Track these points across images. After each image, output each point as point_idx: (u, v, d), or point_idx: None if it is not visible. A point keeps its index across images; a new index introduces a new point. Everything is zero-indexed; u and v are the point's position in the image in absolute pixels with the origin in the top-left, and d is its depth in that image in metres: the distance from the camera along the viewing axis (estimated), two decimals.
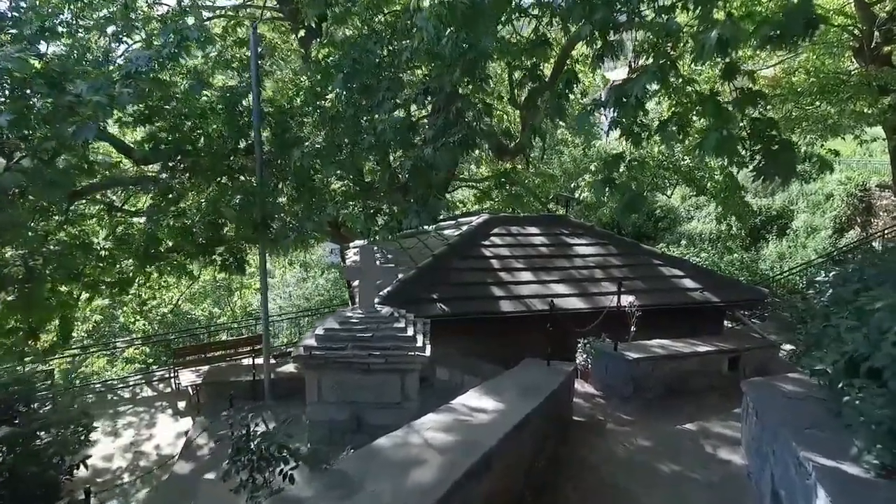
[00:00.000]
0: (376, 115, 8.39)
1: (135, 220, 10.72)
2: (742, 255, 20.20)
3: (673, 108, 7.48)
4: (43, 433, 4.61)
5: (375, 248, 14.80)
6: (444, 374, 10.09)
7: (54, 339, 12.78)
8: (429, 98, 8.50)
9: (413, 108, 9.15)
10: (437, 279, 10.60)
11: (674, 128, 6.48)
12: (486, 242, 12.04)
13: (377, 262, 6.02)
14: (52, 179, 6.97)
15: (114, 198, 12.10)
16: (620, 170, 7.12)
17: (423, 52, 7.59)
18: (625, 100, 6.27)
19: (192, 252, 9.64)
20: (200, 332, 23.69)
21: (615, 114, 6.64)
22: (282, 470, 3.94)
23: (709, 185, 17.12)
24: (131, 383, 20.10)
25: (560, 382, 6.44)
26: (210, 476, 5.86)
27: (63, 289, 10.44)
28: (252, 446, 3.96)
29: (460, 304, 10.11)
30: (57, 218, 10.13)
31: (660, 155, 18.10)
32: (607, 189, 6.49)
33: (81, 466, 5.39)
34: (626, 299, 9.39)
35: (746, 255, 20.43)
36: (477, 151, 13.04)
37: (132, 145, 10.33)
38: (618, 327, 9.19)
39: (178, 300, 24.07)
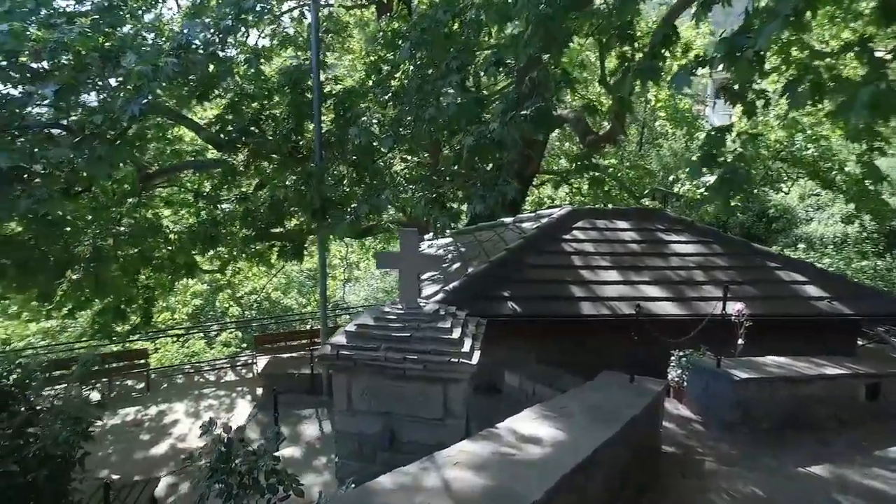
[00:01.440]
0: (441, 88, 7.48)
1: (201, 203, 10.55)
2: (875, 263, 17.22)
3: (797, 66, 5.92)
4: (33, 429, 4.21)
5: (445, 239, 13.99)
6: (513, 381, 9.06)
7: (137, 321, 13.09)
8: (500, 69, 7.46)
9: (483, 81, 8.15)
10: (509, 275, 9.53)
11: (805, 87, 4.99)
12: (567, 237, 10.77)
13: (418, 250, 5.07)
14: (99, 155, 6.68)
15: (190, 183, 12.09)
16: (726, 146, 5.71)
17: (494, 11, 6.57)
18: (738, 55, 4.91)
19: (252, 237, 9.24)
20: (292, 321, 24.16)
21: (724, 71, 5.27)
22: (271, 502, 3.12)
23: (838, 178, 14.63)
24: (217, 366, 20.73)
25: (645, 405, 5.17)
26: None
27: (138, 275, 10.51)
28: (232, 467, 3.18)
29: (534, 304, 8.98)
30: (130, 200, 10.16)
31: (777, 144, 15.80)
32: (706, 170, 5.14)
33: (78, 465, 5.00)
34: (734, 306, 7.80)
35: (881, 262, 17.40)
36: (556, 132, 11.71)
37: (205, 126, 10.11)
38: (722, 339, 7.64)
39: (264, 288, 24.67)
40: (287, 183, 8.48)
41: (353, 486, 3.11)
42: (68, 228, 9.48)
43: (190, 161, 10.57)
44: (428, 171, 8.97)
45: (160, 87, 6.63)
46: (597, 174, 10.37)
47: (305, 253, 9.92)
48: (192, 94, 7.93)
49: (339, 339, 4.93)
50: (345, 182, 8.73)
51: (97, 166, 6.66)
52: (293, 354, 13.10)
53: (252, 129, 9.55)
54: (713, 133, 5.72)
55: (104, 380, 16.31)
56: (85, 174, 7.00)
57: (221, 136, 9.30)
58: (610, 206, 14.15)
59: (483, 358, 9.47)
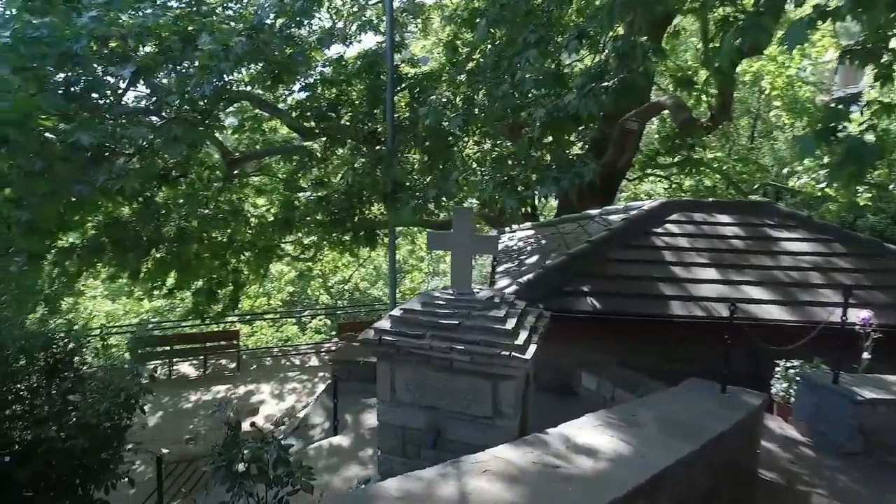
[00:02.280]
0: (518, 64, 6.92)
1: (279, 188, 10.69)
2: None
3: None
4: (73, 397, 4.23)
5: (525, 231, 13.35)
6: (590, 384, 8.36)
7: (224, 304, 13.64)
8: (583, 42, 6.77)
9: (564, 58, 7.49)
10: (590, 269, 8.79)
11: None
12: (659, 230, 9.79)
13: (471, 230, 4.58)
14: (175, 135, 6.80)
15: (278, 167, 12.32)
16: (851, 120, 4.69)
17: None
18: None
19: (326, 223, 9.19)
20: (380, 310, 24.53)
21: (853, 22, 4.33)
22: (278, 495, 2.79)
23: None
24: (303, 351, 21.41)
25: (736, 421, 4.35)
26: None
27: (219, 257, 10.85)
28: (235, 453, 2.89)
29: (616, 301, 8.19)
30: (217, 185, 10.50)
31: None
32: (823, 146, 4.22)
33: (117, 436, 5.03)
34: (859, 314, 6.58)
35: None
36: (654, 122, 10.68)
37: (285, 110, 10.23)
38: (840, 351, 6.46)
39: (350, 278, 25.21)
40: (357, 166, 8.30)
41: (363, 486, 2.71)
42: (164, 211, 9.99)
43: (272, 147, 10.77)
44: (503, 154, 8.43)
45: (230, 67, 6.63)
46: (692, 155, 9.21)
47: (378, 240, 9.77)
48: (267, 77, 7.96)
49: (384, 323, 4.57)
50: (416, 166, 8.42)
51: (173, 147, 6.81)
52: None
53: (330, 114, 9.51)
54: (835, 105, 4.73)
55: (200, 357, 17.28)
56: (167, 156, 7.17)
57: (301, 121, 9.32)
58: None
59: (558, 357, 8.88)
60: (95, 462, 3.47)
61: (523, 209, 7.14)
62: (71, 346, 4.45)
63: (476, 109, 7.25)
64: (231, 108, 11.92)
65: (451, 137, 7.96)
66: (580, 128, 6.06)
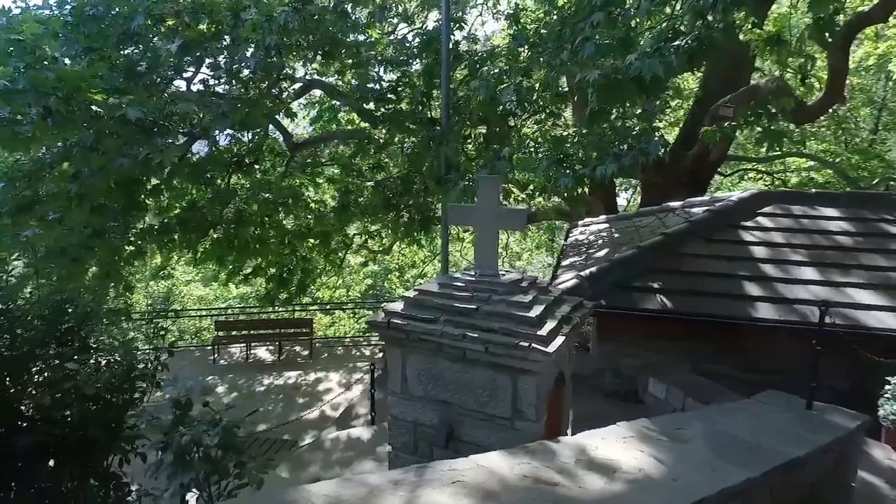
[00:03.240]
0: (581, 30, 6.21)
1: (336, 172, 10.54)
2: None
3: None
4: (71, 365, 4.11)
5: (599, 224, 12.38)
6: (658, 391, 7.48)
7: (290, 291, 13.82)
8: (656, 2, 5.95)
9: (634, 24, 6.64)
10: (663, 264, 7.88)
11: None
12: (749, 223, 8.64)
13: (497, 202, 4.00)
14: (222, 111, 6.74)
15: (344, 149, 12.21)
16: None
17: None
18: None
19: (381, 207, 8.90)
20: None
21: None
22: (227, 487, 2.40)
23: None
24: (373, 342, 21.55)
25: (819, 446, 3.47)
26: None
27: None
28: (174, 436, 2.52)
29: (692, 300, 7.24)
30: (280, 170, 10.55)
31: None
32: None
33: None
34: None
35: None
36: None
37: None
38: None
39: (425, 272, 25.08)
40: (408, 147, 7.91)
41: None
42: (230, 195, 10.18)
43: (334, 132, 10.67)
44: (564, 132, 7.71)
45: (275, 41, 6.44)
46: (780, 132, 7.89)
47: (433, 226, 9.35)
48: (315, 54, 7.74)
49: (397, 305, 4.11)
50: (470, 146, 7.90)
51: (220, 122, 6.75)
52: None
53: (390, 96, 9.21)
54: None
55: (276, 343, 17.75)
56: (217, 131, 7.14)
57: (362, 104, 9.09)
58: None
59: (621, 359, 8.03)
60: (100, 433, 3.26)
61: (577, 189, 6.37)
62: (82, 317, 4.39)
63: (533, 82, 6.60)
64: (303, 100, 12.03)
65: (508, 115, 7.36)
66: (645, 96, 5.24)
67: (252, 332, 17.48)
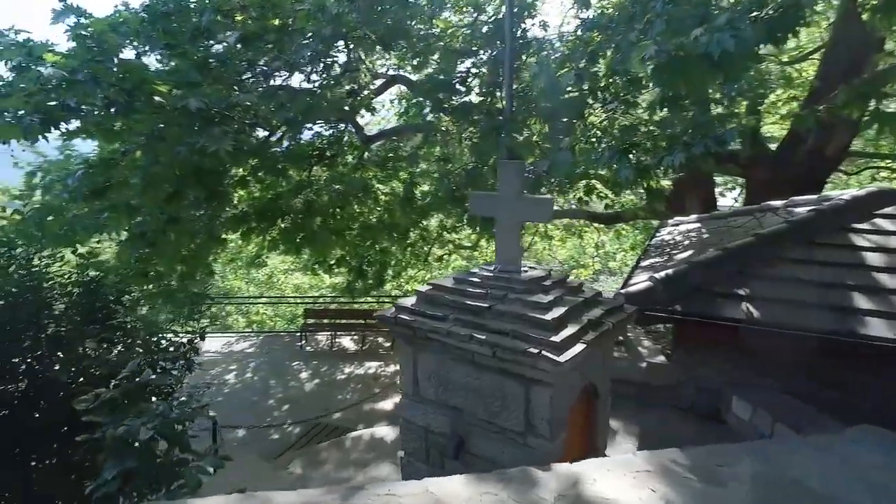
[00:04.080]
0: (653, 7, 5.54)
1: (402, 165, 10.38)
2: None
3: None
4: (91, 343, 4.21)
5: (689, 224, 11.30)
6: (742, 411, 6.66)
7: (369, 282, 13.97)
8: None
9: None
10: (754, 269, 6.94)
11: None
12: (864, 226, 7.40)
13: (520, 189, 3.55)
14: (281, 102, 6.80)
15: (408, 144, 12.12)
16: None
17: None
18: None
19: (445, 199, 8.63)
20: None
21: None
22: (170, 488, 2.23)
23: None
24: None
25: None
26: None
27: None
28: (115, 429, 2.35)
29: (785, 311, 6.29)
30: (350, 160, 10.62)
31: None
32: None
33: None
34: None
35: None
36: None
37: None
38: None
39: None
40: (467, 137, 7.55)
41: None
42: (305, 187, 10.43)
43: (403, 125, 10.55)
44: (634, 121, 6.96)
45: (330, 31, 6.35)
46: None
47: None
48: (372, 43, 7.59)
49: (408, 300, 3.79)
50: (535, 137, 7.40)
51: (279, 112, 6.80)
52: None
53: (459, 87, 8.93)
54: None
55: (360, 333, 18.11)
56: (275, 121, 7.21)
57: (430, 94, 8.88)
58: None
59: (702, 372, 7.19)
60: (121, 411, 3.27)
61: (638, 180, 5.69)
62: (111, 298, 4.53)
63: (599, 67, 5.99)
64: (392, 94, 12.04)
65: (575, 103, 6.77)
66: (723, 78, 4.48)
67: (338, 321, 17.93)
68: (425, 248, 15.27)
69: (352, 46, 8.20)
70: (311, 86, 7.95)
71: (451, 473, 3.65)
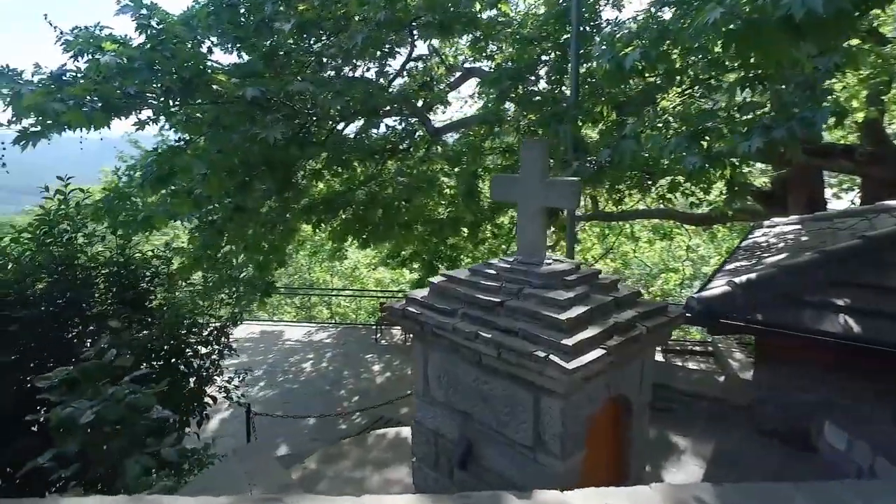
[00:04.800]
0: None
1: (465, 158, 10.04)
2: None
3: None
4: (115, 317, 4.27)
5: (790, 226, 10.18)
6: (837, 440, 5.84)
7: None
8: None
9: None
10: (857, 276, 6.02)
11: None
12: None
13: (543, 171, 3.12)
14: (336, 90, 6.73)
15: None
16: None
17: None
18: None
19: None
20: None
21: None
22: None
23: None
24: None
25: None
26: None
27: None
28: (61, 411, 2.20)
29: (892, 327, 5.39)
30: (419, 155, 10.48)
31: None
32: None
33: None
34: None
35: None
36: None
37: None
38: None
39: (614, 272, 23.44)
40: (524, 124, 7.10)
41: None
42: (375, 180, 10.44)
43: (471, 116, 10.23)
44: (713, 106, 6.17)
45: (384, 16, 6.16)
46: None
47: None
48: (433, 28, 7.29)
49: (420, 292, 3.49)
50: (601, 124, 6.79)
51: (335, 100, 6.73)
52: None
53: (528, 76, 8.50)
54: None
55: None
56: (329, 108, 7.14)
57: (501, 83, 8.52)
58: None
59: (790, 392, 6.32)
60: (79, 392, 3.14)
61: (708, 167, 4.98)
62: (147, 277, 4.62)
63: (669, 45, 5.34)
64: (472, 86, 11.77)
65: (642, 86, 6.13)
66: (798, 46, 3.75)
67: None
68: (502, 246, 14.90)
69: (416, 35, 8.00)
70: (369, 74, 7.89)
71: (459, 483, 3.32)
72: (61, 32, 5.92)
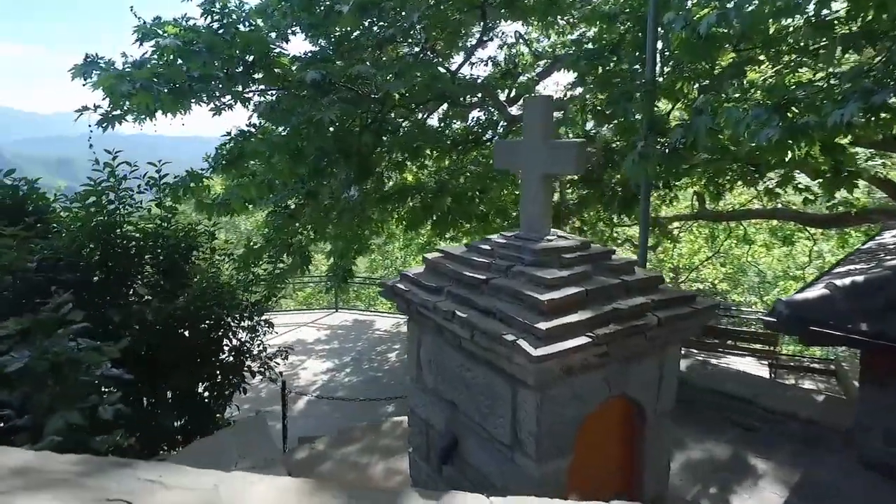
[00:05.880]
0: None
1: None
2: None
3: None
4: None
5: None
6: None
7: None
8: None
9: None
10: None
11: None
12: None
13: (547, 134, 2.71)
14: (395, 72, 6.64)
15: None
16: None
17: None
18: None
19: (577, 181, 7.70)
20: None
21: None
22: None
23: None
24: None
25: None
26: None
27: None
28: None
29: None
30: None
31: None
32: None
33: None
34: None
35: None
36: None
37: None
38: None
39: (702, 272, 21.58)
40: (597, 104, 6.49)
41: None
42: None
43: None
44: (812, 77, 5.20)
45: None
46: None
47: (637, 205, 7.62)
48: (507, 4, 6.87)
49: (413, 270, 3.19)
50: (681, 102, 6.03)
51: (395, 83, 6.61)
52: None
53: (609, 56, 7.90)
54: None
55: None
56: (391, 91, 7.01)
57: (580, 64, 8.03)
58: None
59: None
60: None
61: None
62: (184, 250, 4.75)
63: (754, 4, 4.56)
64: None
65: (733, 58, 5.30)
66: None
67: None
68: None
69: (489, 20, 7.66)
70: (430, 57, 7.64)
71: (447, 479, 3.01)
72: (143, 22, 6.32)
